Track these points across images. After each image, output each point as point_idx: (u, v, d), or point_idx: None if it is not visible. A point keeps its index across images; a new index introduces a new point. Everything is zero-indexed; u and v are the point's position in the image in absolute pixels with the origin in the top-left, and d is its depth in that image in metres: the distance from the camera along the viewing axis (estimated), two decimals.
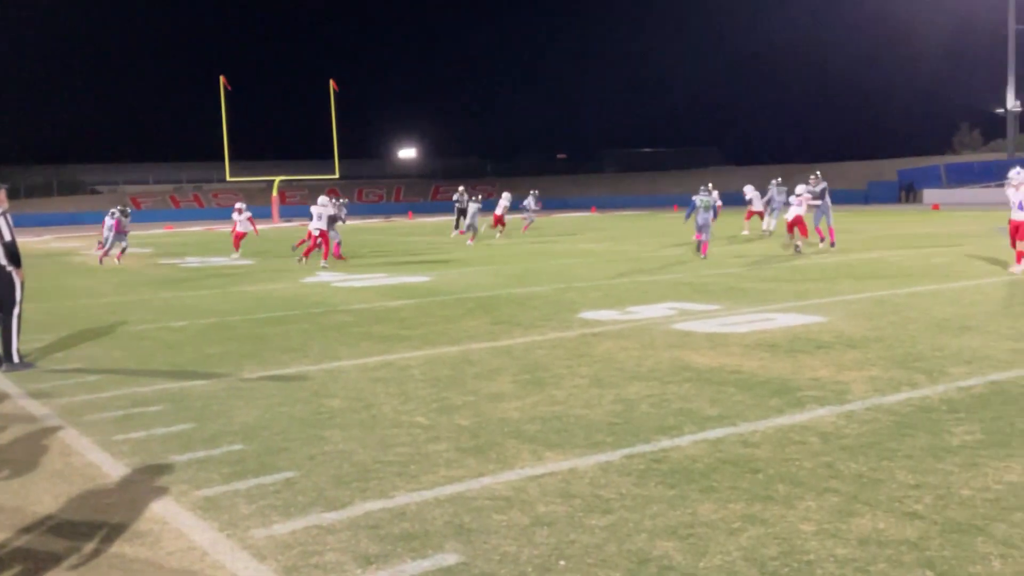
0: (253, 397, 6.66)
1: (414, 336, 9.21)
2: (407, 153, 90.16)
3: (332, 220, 19.45)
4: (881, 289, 11.74)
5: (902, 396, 5.95)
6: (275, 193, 58.50)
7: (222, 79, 49.02)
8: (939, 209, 43.69)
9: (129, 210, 23.04)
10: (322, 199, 19.46)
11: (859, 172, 67.26)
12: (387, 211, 71.20)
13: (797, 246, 18.55)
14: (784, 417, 5.54)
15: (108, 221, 21.79)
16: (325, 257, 18.92)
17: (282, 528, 4.01)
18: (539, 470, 4.69)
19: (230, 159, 50.34)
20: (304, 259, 19.79)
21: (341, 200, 24.94)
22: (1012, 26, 55.07)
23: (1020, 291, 11.01)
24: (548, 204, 67.10)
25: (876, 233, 24.66)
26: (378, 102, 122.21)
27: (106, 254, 22.01)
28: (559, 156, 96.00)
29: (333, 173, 54.64)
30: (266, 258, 22.36)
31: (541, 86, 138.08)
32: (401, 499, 4.32)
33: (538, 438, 5.28)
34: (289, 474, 4.78)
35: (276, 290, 14.48)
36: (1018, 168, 13.38)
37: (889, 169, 63.97)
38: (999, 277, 12.66)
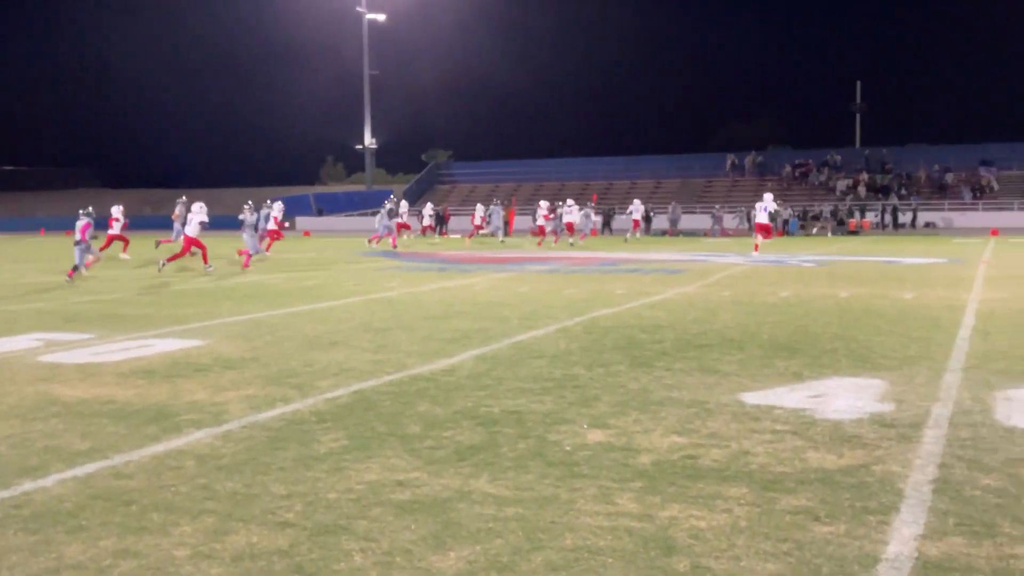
0: None
1: None
2: None
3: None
4: (259, 311, 12.14)
5: (276, 412, 6.22)
6: None
7: None
8: (310, 235, 46.64)
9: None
10: (195, 206, 20.00)
11: (237, 199, 68.72)
12: None
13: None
14: (161, 444, 5.42)
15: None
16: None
17: None
18: None
19: None
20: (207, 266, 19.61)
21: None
22: (367, 72, 61.22)
23: (380, 308, 12.25)
24: None
25: (254, 258, 25.43)
26: None
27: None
28: None
29: None
30: None
31: None
32: None
33: None
34: None
35: None
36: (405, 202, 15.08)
37: (264, 197, 66.35)
38: (362, 296, 13.93)
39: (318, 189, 73.40)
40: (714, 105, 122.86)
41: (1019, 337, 9.02)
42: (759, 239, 25.26)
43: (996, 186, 50.40)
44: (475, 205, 41.12)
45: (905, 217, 45.28)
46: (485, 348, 8.83)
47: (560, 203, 35.11)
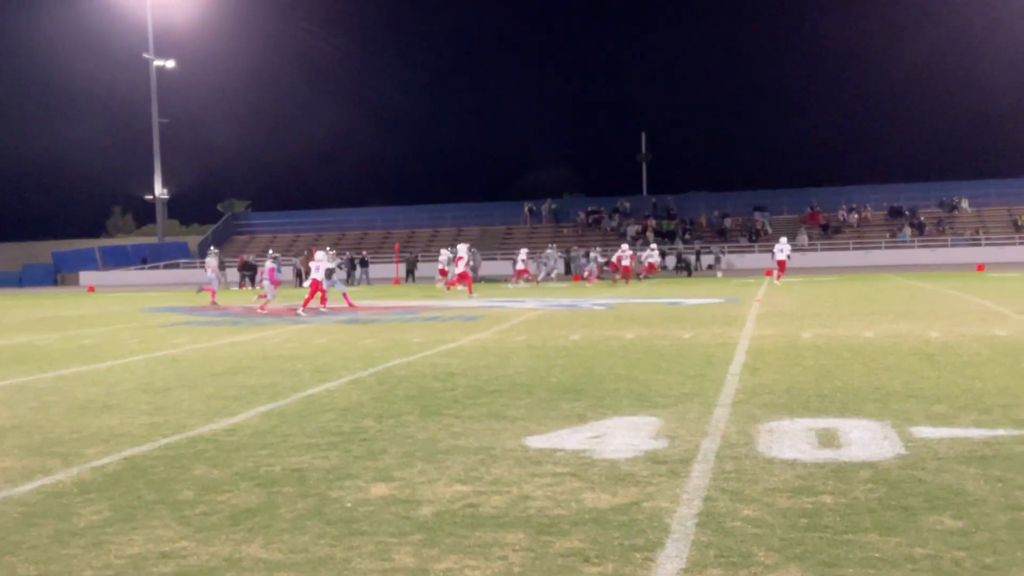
0: None
1: None
2: None
3: (329, 272, 21.93)
4: (25, 375, 11.27)
5: (34, 484, 5.75)
6: None
7: None
8: (95, 291, 44.03)
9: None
10: (319, 254, 21.81)
11: (13, 254, 64.22)
12: None
13: None
14: None
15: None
16: (323, 303, 21.95)
17: None
18: None
19: None
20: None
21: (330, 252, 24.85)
22: (156, 119, 58.92)
23: (162, 367, 11.65)
24: None
25: (28, 316, 23.74)
26: None
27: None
28: None
29: None
30: None
31: None
32: None
33: None
34: None
35: None
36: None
37: (44, 251, 62.38)
38: (145, 355, 13.22)
39: (104, 242, 69.56)
40: (512, 154, 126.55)
41: (783, 371, 9.68)
42: (776, 273, 32.73)
43: (769, 229, 54.34)
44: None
45: (688, 258, 47.92)
46: (273, 404, 8.57)
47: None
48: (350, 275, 44.33)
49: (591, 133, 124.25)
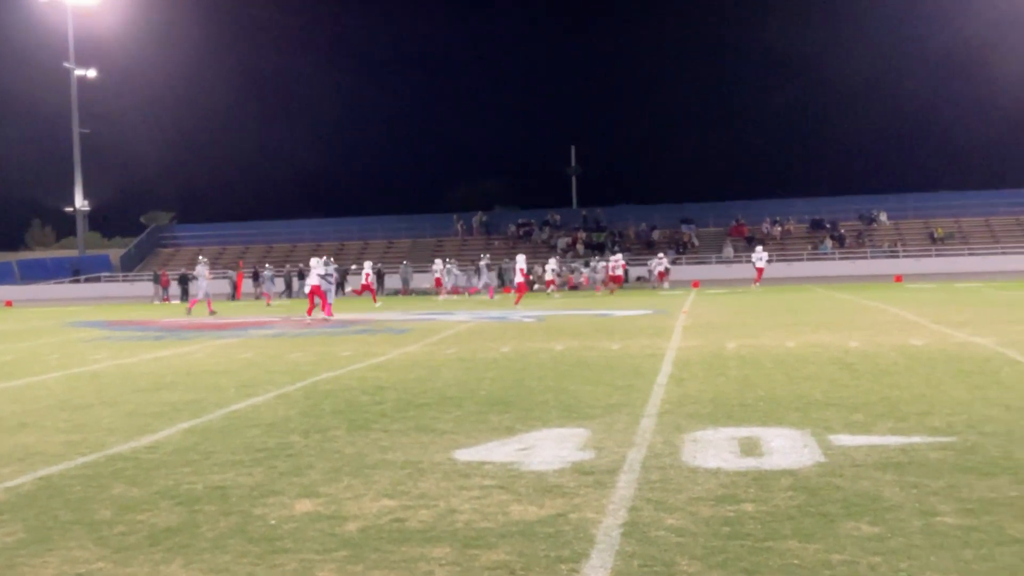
0: None
1: None
2: None
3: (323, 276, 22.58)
4: None
5: None
6: None
7: None
8: (12, 306, 42.67)
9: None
10: (313, 261, 22.81)
11: None
12: None
13: None
14: None
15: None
16: (326, 312, 22.62)
17: None
18: None
19: None
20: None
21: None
22: (76, 129, 57.51)
23: (82, 383, 11.34)
24: None
25: None
26: None
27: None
28: None
29: None
30: None
31: None
32: None
33: None
34: None
35: None
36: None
37: None
38: (64, 371, 12.85)
39: (23, 255, 67.53)
40: (443, 167, 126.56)
41: (708, 382, 9.84)
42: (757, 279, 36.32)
43: (696, 242, 55.25)
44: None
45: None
46: (196, 420, 8.40)
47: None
48: (289, 288, 43.77)
49: (521, 146, 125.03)
